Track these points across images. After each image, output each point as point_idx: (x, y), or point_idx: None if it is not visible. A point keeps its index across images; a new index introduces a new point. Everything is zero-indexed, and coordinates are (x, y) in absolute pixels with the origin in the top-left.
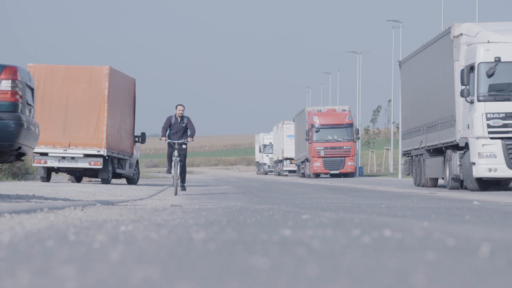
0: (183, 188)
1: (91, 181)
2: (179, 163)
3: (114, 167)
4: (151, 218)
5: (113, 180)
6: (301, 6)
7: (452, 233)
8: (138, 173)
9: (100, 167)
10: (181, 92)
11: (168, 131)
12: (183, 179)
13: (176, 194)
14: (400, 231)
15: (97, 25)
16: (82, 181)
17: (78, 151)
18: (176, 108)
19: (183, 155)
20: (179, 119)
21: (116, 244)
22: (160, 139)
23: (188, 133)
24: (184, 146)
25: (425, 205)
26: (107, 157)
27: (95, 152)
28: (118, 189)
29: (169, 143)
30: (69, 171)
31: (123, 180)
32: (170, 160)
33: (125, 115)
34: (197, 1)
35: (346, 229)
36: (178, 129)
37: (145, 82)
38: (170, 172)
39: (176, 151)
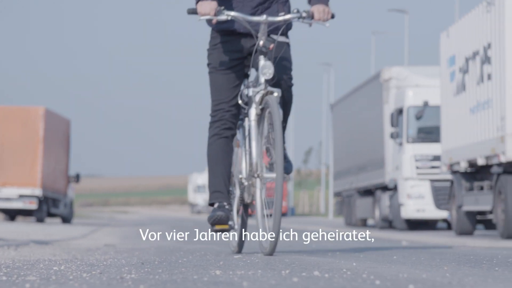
0: (289, 167)
1: (25, 220)
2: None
3: (48, 207)
4: (84, 257)
5: (48, 219)
6: None
7: (379, 273)
8: (72, 213)
9: (35, 207)
10: (115, 133)
11: None
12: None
13: (240, 250)
14: (329, 271)
15: (32, 63)
16: (16, 220)
17: (13, 191)
18: None
19: (285, 82)
20: None
21: (47, 285)
22: (199, 18)
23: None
24: (284, 40)
25: (354, 246)
26: (42, 198)
27: (29, 193)
28: (52, 228)
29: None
30: (3, 210)
31: (58, 219)
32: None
33: (59, 156)
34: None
35: (276, 269)
36: None
37: (79, 121)
38: (231, 224)
39: (263, 60)
